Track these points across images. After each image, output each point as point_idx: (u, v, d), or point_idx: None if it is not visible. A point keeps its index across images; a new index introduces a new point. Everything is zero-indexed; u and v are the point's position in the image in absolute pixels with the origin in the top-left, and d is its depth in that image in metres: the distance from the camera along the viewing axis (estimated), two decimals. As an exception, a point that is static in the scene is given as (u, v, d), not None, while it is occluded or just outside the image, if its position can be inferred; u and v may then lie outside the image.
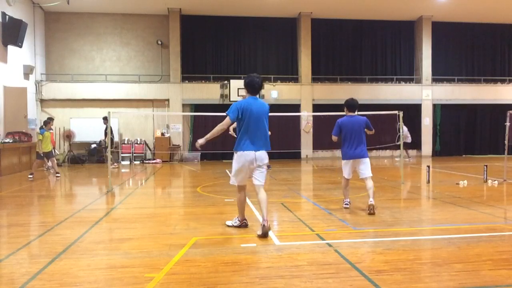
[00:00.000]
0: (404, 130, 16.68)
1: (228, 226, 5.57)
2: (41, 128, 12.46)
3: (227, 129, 11.17)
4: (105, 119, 14.43)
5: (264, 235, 4.98)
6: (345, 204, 6.82)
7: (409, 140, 17.24)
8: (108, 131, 9.72)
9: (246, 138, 5.12)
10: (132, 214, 6.79)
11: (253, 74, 5.37)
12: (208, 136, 5.23)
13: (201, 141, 5.20)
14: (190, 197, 8.71)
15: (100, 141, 16.67)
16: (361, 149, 6.56)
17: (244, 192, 5.43)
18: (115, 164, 15.68)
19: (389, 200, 7.79)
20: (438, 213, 6.62)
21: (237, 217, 5.56)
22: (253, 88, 5.29)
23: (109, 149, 9.72)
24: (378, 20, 20.14)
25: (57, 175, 12.42)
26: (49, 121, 12.61)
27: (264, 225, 5.00)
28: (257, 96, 5.36)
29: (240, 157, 5.16)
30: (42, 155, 12.09)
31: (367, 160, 6.63)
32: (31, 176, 11.87)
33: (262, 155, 5.18)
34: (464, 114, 20.70)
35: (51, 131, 15.00)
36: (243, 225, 5.51)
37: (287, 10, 18.86)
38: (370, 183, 6.50)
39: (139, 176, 13.06)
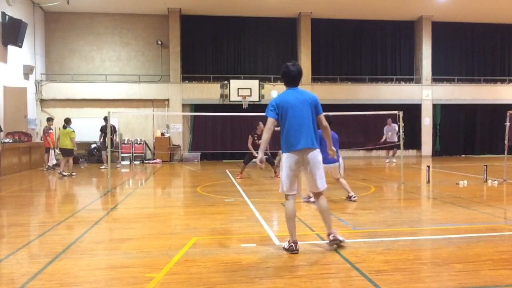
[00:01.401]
0: (392, 130, 16.49)
1: (284, 249, 4.46)
2: (64, 127, 12.59)
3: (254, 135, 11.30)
4: (105, 119, 14.51)
5: (335, 245, 4.47)
6: (309, 199, 7.42)
7: (395, 139, 16.48)
8: (108, 131, 9.69)
9: (289, 137, 4.40)
10: (132, 214, 6.80)
11: (288, 63, 4.55)
12: (262, 147, 4.47)
13: (260, 156, 4.45)
14: (190, 197, 8.71)
15: (98, 146, 16.11)
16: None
17: (293, 202, 4.49)
18: (117, 165, 15.68)
19: (389, 200, 7.79)
20: (438, 213, 6.62)
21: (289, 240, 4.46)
22: (289, 78, 4.52)
23: (109, 149, 9.72)
24: (378, 20, 20.14)
25: (64, 174, 12.43)
26: (69, 119, 12.85)
27: (331, 238, 4.49)
28: (297, 86, 4.56)
29: (286, 160, 4.43)
30: (73, 151, 12.55)
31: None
32: (73, 173, 12.37)
33: (314, 155, 4.43)
34: (464, 114, 20.70)
35: (51, 131, 15.05)
36: (290, 249, 4.36)
37: (287, 10, 18.86)
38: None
39: (139, 176, 13.06)
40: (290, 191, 4.46)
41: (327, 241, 4.55)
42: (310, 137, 4.39)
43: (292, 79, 4.52)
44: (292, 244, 4.37)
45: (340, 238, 4.52)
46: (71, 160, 12.63)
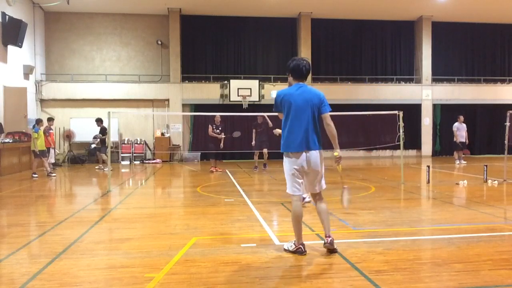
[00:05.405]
0: (456, 129, 15.65)
1: (285, 250, 4.45)
2: (34, 126, 12.45)
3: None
4: (99, 121, 14.29)
5: (332, 252, 4.34)
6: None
7: (462, 139, 15.78)
8: (108, 131, 9.69)
9: (289, 135, 4.31)
10: (132, 214, 6.79)
11: (298, 58, 4.52)
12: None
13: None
14: (190, 197, 8.71)
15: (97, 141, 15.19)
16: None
17: (300, 203, 4.40)
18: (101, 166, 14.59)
19: (389, 200, 7.78)
20: (438, 213, 6.62)
21: (293, 240, 4.43)
22: (299, 73, 4.43)
23: (109, 149, 9.73)
24: (378, 20, 20.14)
25: (53, 174, 12.45)
26: (40, 120, 12.68)
27: (324, 241, 4.35)
28: (304, 82, 4.49)
29: (287, 160, 4.36)
30: (38, 153, 12.21)
31: None
32: (35, 175, 11.99)
33: (314, 156, 4.31)
34: (464, 114, 20.63)
35: (51, 131, 15.03)
36: (298, 251, 4.32)
37: (287, 10, 18.85)
38: None
39: (139, 176, 13.06)
40: (296, 192, 4.37)
41: (324, 242, 4.37)
42: (312, 138, 4.29)
43: (303, 74, 4.45)
44: (300, 246, 4.34)
45: (335, 247, 4.35)
46: (45, 162, 12.62)
